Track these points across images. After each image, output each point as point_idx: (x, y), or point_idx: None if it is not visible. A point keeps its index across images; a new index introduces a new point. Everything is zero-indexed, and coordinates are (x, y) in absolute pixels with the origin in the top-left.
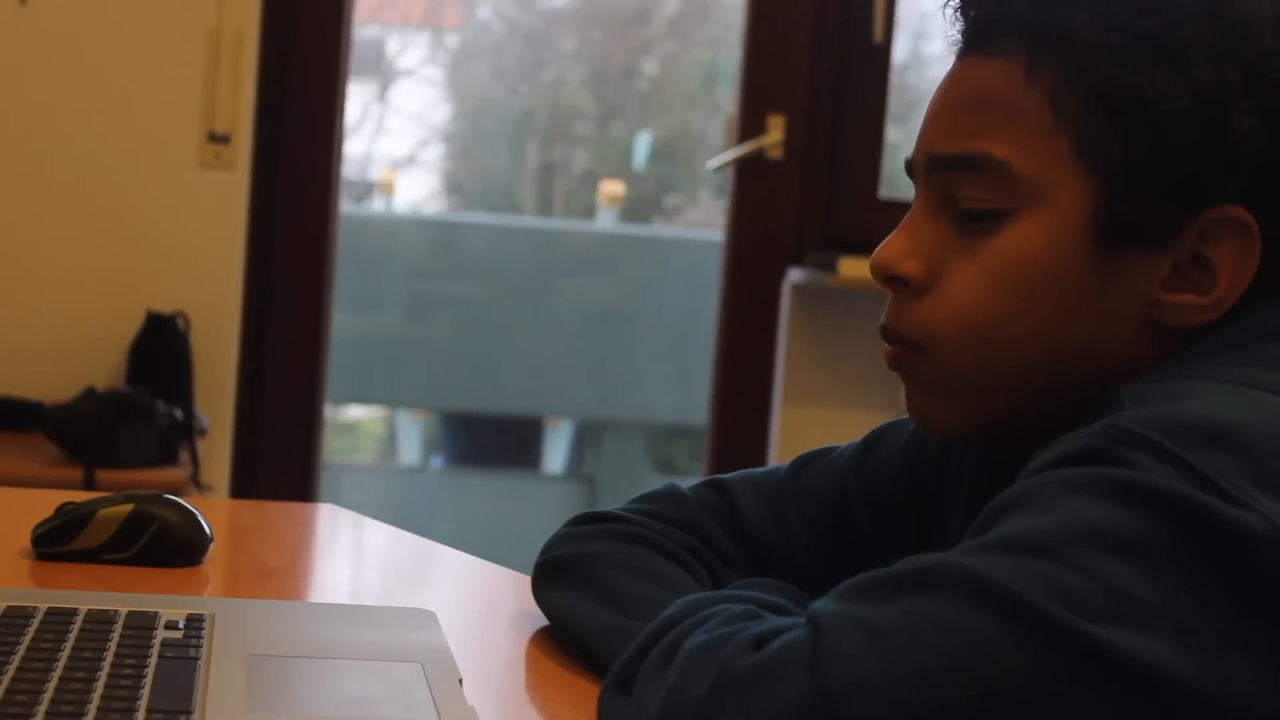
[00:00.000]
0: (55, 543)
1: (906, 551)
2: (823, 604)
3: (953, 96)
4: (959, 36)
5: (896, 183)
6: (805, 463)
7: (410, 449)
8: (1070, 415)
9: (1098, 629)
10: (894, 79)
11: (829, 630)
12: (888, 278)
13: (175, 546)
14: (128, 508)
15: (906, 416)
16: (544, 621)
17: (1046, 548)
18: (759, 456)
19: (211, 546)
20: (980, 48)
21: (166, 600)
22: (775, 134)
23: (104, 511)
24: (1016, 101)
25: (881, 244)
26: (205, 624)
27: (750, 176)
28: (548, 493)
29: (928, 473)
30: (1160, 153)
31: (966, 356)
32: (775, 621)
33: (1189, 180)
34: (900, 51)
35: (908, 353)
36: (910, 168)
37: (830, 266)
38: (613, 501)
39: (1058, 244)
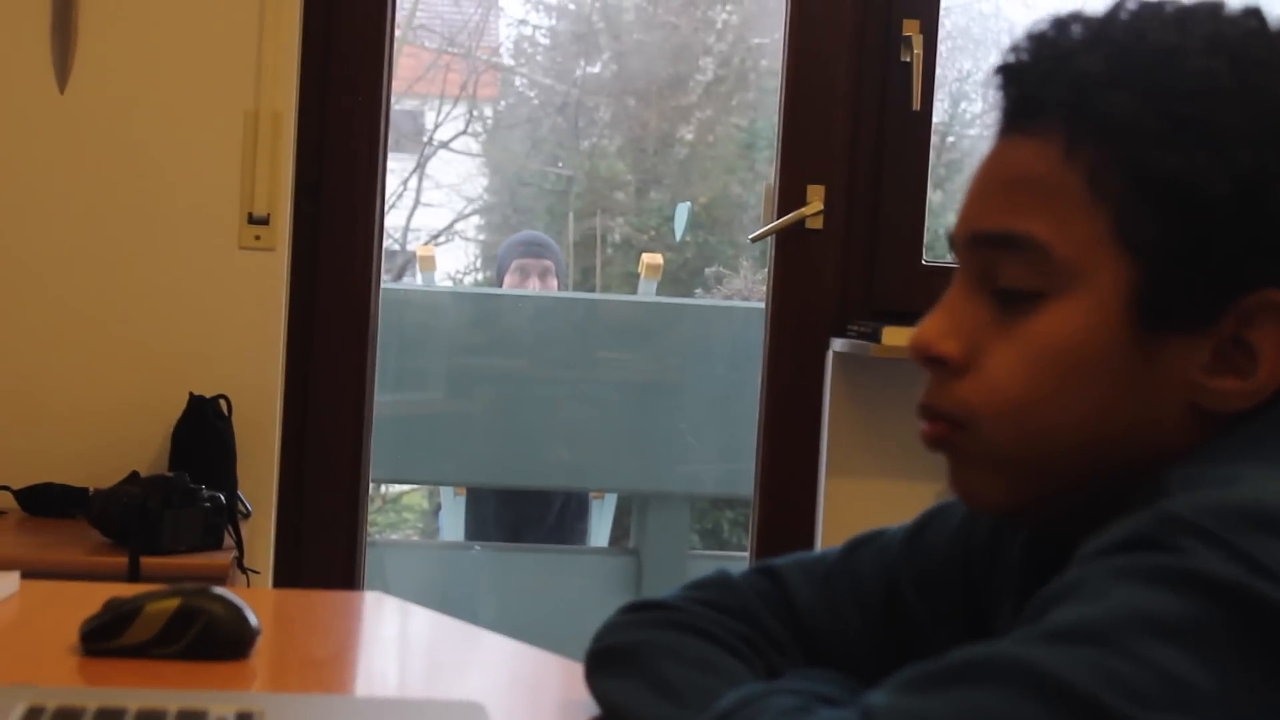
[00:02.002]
0: (103, 639)
1: (960, 637)
2: (875, 697)
3: (994, 175)
4: (1001, 115)
5: (937, 247)
6: (857, 546)
7: (453, 525)
8: (1115, 494)
9: (1153, 716)
10: (934, 141)
11: None
12: (927, 358)
13: (223, 640)
14: (175, 602)
15: (956, 498)
16: (594, 709)
17: (1099, 636)
18: (806, 528)
19: (259, 639)
20: (1021, 127)
21: (216, 697)
22: (815, 204)
23: (151, 606)
24: (1055, 182)
25: (920, 323)
26: None
27: (791, 246)
28: (592, 567)
29: (979, 558)
30: (1200, 236)
31: (1007, 436)
32: (826, 716)
33: (1230, 264)
34: (939, 112)
35: (947, 431)
36: (952, 243)
37: (874, 336)
38: (658, 575)
39: (1096, 327)
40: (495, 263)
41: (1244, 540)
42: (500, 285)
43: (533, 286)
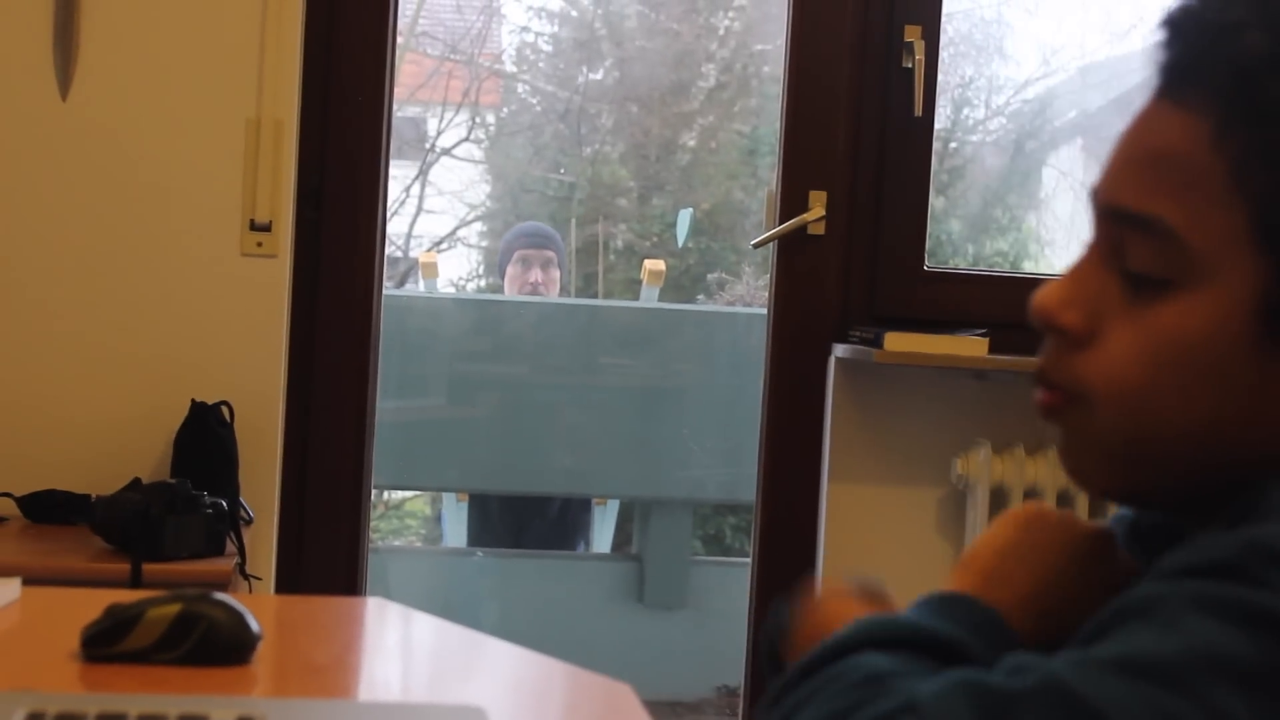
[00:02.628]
0: (105, 644)
1: None
2: (930, 696)
3: (1140, 143)
4: (1158, 73)
5: (935, 253)
6: None
7: (455, 531)
8: (1229, 489)
9: None
10: (936, 147)
11: None
12: (1047, 325)
13: (225, 645)
14: (176, 608)
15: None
16: (593, 710)
17: (1164, 674)
18: (808, 533)
19: (260, 644)
20: (1175, 94)
21: (217, 702)
22: (817, 210)
23: (153, 612)
24: (1200, 166)
25: (1044, 287)
26: None
27: (793, 252)
28: (594, 572)
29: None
30: None
31: (1120, 422)
32: (880, 708)
33: None
34: (941, 119)
35: (1062, 402)
36: (1092, 198)
37: (876, 342)
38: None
39: (1222, 328)
40: (498, 254)
41: None
42: (502, 276)
43: (534, 278)
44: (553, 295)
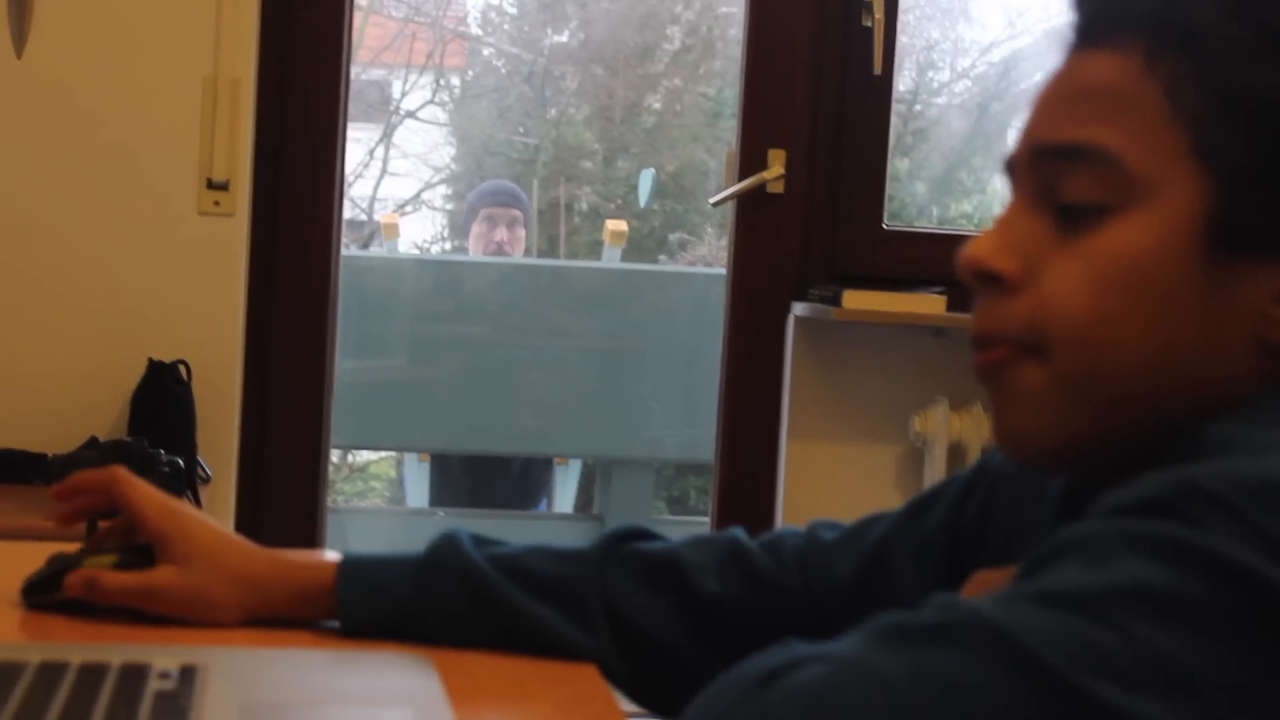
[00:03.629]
0: (44, 592)
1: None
2: (843, 645)
3: (1064, 87)
4: (1071, 31)
5: (900, 214)
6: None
7: (418, 492)
8: (1165, 441)
9: (1127, 699)
10: (899, 109)
11: (839, 676)
12: (978, 274)
13: None
14: (112, 557)
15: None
16: (540, 661)
17: (1090, 606)
18: (767, 492)
19: None
20: (1095, 40)
21: (160, 651)
22: (776, 168)
23: (91, 560)
24: (1133, 93)
25: (971, 240)
26: (198, 674)
27: (752, 211)
28: (556, 532)
29: (968, 537)
30: None
31: (1077, 362)
32: (796, 652)
33: None
34: (905, 82)
35: (1010, 355)
36: (1010, 167)
37: (834, 300)
38: None
39: (1166, 246)
40: (463, 213)
41: (1269, 520)
42: (467, 235)
43: (500, 237)
44: (518, 254)
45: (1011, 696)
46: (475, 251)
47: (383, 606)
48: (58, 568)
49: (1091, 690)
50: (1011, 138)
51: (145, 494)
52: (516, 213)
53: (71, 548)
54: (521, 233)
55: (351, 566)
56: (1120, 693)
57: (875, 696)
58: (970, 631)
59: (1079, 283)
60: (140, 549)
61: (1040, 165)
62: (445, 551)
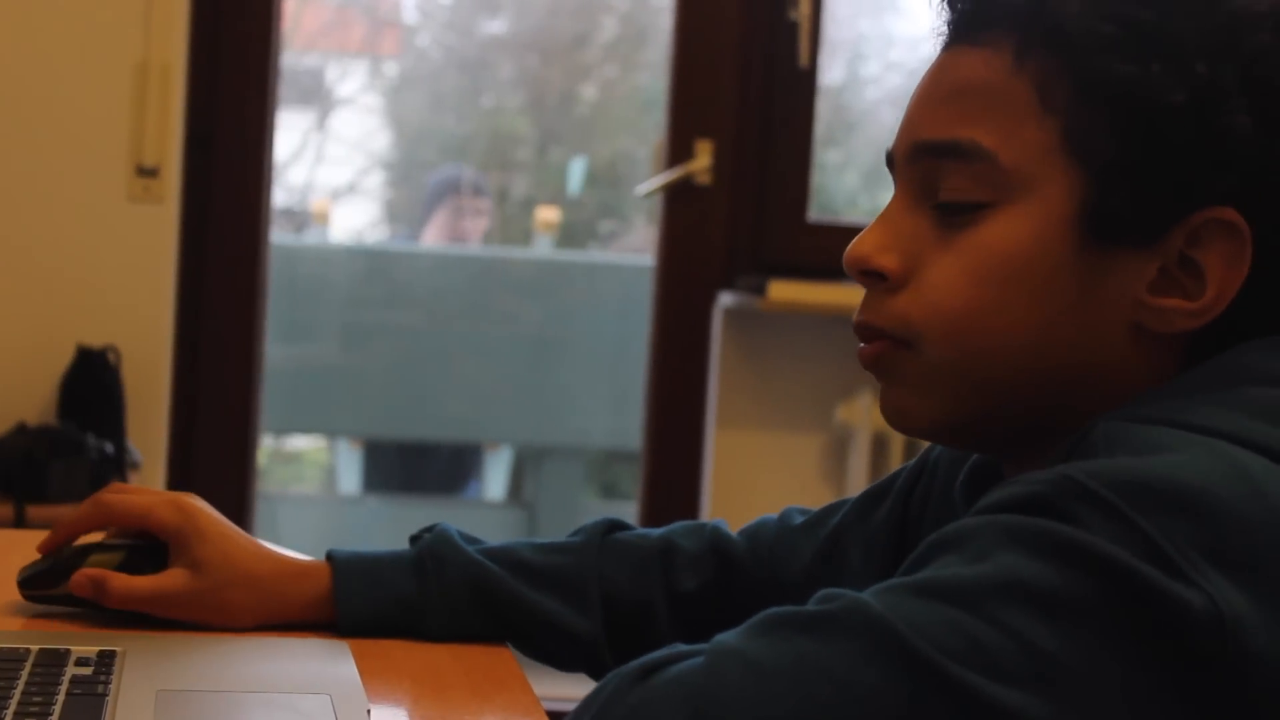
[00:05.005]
0: (42, 586)
1: None
2: (727, 635)
3: (938, 86)
4: (945, 28)
5: (830, 205)
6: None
7: (349, 478)
8: (1053, 426)
9: (1000, 689)
10: (830, 101)
11: (717, 666)
12: (863, 271)
13: None
14: (118, 555)
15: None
16: (454, 648)
17: (968, 598)
18: (693, 480)
19: None
20: (967, 37)
21: (79, 637)
22: (703, 159)
23: (95, 558)
24: (1004, 91)
25: (856, 237)
26: (116, 660)
27: (679, 202)
28: (487, 518)
29: (913, 522)
30: (1151, 148)
31: (948, 350)
32: (678, 648)
33: (1180, 178)
34: (835, 74)
35: (888, 348)
36: (890, 160)
37: (760, 290)
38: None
39: (1041, 239)
40: (426, 196)
41: (1146, 518)
42: (429, 216)
43: (467, 226)
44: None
45: (887, 685)
46: (434, 239)
47: (383, 604)
48: (55, 561)
49: (966, 680)
50: None
51: (152, 496)
52: (485, 203)
53: (9, 534)
54: (485, 223)
55: (345, 566)
56: (993, 683)
57: (752, 685)
58: (849, 621)
59: (954, 277)
60: (144, 547)
61: (918, 162)
62: (441, 546)
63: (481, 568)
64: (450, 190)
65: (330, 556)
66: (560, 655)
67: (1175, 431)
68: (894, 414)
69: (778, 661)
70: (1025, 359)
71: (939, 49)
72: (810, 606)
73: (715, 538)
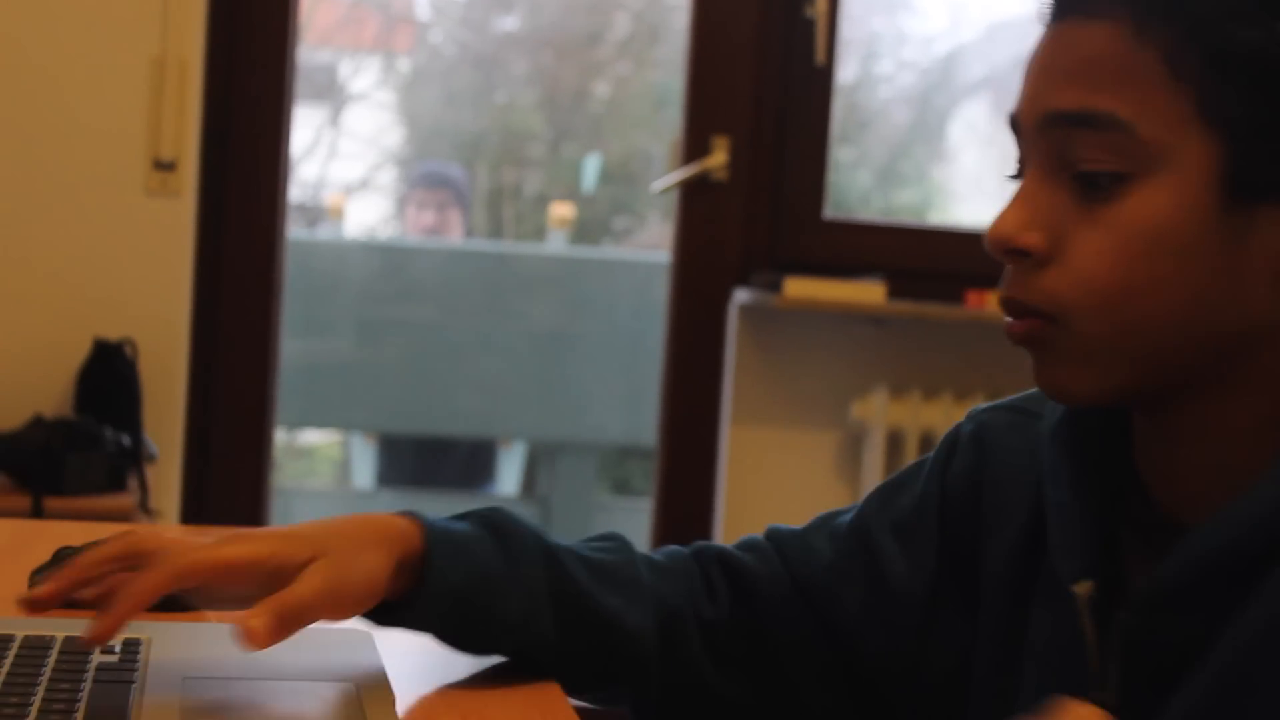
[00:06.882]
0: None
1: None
2: None
3: (1062, 58)
4: (1050, 4)
5: (843, 203)
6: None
7: (363, 473)
8: (1213, 372)
9: None
10: (843, 99)
11: None
12: (1008, 251)
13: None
14: None
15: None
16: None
17: None
18: (708, 476)
19: None
20: (1080, 9)
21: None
22: (720, 156)
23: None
24: (1132, 62)
25: (998, 215)
26: (141, 647)
27: (696, 198)
28: None
29: (956, 503)
30: None
31: (1102, 326)
32: None
33: None
34: (850, 73)
35: (1039, 326)
36: (1016, 126)
37: (776, 287)
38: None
39: (1185, 208)
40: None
41: None
42: (404, 218)
43: (427, 221)
44: (453, 236)
45: None
46: (409, 234)
47: (468, 575)
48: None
49: None
50: (953, 130)
51: (238, 544)
52: (445, 195)
53: (31, 526)
54: (454, 214)
55: (437, 533)
56: None
57: None
58: None
59: (1104, 253)
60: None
61: (1051, 133)
62: (505, 519)
63: (552, 548)
64: (411, 185)
65: (413, 518)
66: (615, 656)
67: None
68: (1053, 388)
69: None
70: (1177, 326)
71: (1047, 22)
72: None
73: (707, 550)
